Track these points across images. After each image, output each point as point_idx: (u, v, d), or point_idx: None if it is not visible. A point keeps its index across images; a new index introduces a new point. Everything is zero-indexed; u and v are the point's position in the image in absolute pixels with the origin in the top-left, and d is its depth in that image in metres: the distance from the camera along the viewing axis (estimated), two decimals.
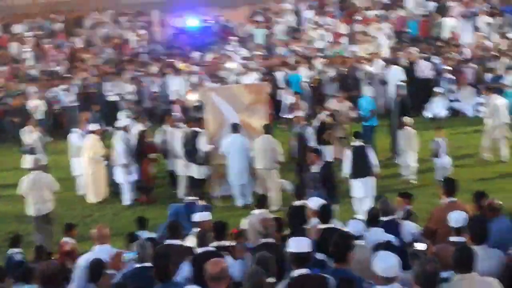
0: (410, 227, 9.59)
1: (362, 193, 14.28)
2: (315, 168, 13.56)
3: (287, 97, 21.98)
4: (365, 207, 12.74)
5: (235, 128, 15.81)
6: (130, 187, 16.74)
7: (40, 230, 14.03)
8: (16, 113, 23.14)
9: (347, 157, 14.50)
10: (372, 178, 14.41)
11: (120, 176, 16.72)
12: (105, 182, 17.20)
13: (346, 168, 14.45)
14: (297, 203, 11.06)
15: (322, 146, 16.34)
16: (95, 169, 16.97)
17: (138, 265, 7.59)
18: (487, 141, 17.70)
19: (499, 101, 17.72)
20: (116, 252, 7.66)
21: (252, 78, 23.23)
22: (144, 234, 10.79)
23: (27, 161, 17.06)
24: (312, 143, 16.02)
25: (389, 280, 6.15)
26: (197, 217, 9.93)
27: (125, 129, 16.92)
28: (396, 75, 21.75)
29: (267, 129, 16.02)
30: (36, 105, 23.15)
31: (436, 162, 15.93)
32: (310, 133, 16.16)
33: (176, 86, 24.22)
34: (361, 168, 14.32)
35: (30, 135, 18.33)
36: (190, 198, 12.42)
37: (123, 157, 16.44)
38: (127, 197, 16.73)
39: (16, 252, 11.27)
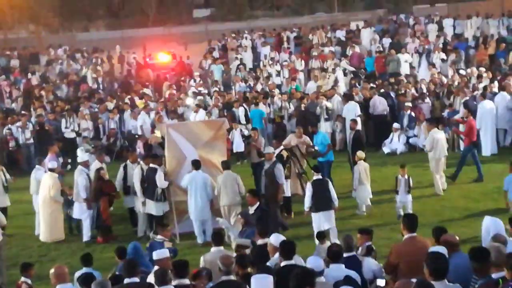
0: (370, 264, 9.63)
1: (326, 226, 14.35)
2: (251, 209, 13.62)
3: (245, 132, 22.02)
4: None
5: (196, 164, 15.76)
6: (89, 223, 16.52)
7: None
8: None
9: (308, 190, 14.62)
10: (332, 211, 14.53)
11: (79, 212, 16.51)
12: (61, 221, 16.94)
13: (307, 201, 14.57)
14: (260, 241, 11.01)
15: None
16: (53, 208, 16.71)
17: None
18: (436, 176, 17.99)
19: (439, 135, 18.05)
20: None
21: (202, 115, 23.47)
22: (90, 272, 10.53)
23: None
24: (282, 179, 16.10)
25: None
26: (156, 255, 9.84)
27: (85, 164, 16.78)
28: (352, 110, 21.99)
29: (227, 165, 16.02)
30: None
31: (396, 198, 16.13)
32: (279, 170, 16.16)
33: (140, 121, 24.22)
34: (322, 201, 14.47)
35: None
36: (158, 237, 12.24)
37: (83, 192, 16.25)
38: (86, 234, 16.49)
39: None
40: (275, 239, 9.91)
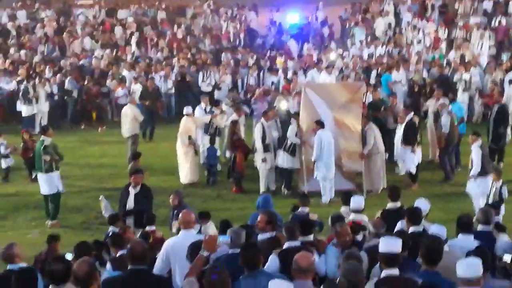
0: (504, 241, 9.45)
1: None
2: None
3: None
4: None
5: (321, 123, 15.94)
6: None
7: None
8: None
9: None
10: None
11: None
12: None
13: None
14: (390, 205, 11.12)
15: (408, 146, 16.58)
16: (186, 150, 17.59)
17: (231, 251, 7.83)
18: None
19: None
20: (211, 235, 7.90)
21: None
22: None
23: None
24: None
25: (471, 283, 6.20)
26: None
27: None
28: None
29: None
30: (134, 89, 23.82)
31: None
32: None
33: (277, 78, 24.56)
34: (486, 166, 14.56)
35: None
36: (300, 210, 11.89)
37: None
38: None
39: None
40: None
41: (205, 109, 19.20)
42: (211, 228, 11.64)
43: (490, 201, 13.16)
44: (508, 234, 10.02)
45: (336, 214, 10.53)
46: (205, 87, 24.63)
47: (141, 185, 13.09)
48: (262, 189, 16.70)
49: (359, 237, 9.50)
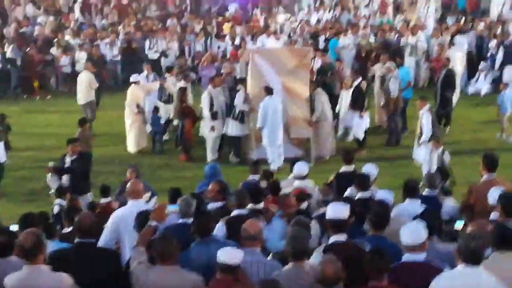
0: (449, 205, 9.62)
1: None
2: None
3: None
4: None
5: (268, 90, 15.89)
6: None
7: None
8: None
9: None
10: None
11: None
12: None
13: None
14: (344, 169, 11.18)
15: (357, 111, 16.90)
16: (134, 118, 17.51)
17: (180, 220, 7.77)
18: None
19: None
20: (159, 204, 7.84)
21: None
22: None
23: None
24: None
25: (415, 248, 6.27)
26: None
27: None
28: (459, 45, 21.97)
29: None
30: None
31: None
32: None
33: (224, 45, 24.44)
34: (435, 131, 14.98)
35: None
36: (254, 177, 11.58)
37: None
38: None
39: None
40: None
41: (147, 77, 19.02)
42: None
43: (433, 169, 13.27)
44: (455, 198, 10.17)
45: (274, 181, 10.45)
46: (152, 54, 24.23)
47: (79, 152, 13.07)
48: (209, 157, 16.58)
49: (304, 205, 9.50)
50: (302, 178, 10.85)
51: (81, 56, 23.18)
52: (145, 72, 19.27)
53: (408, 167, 15.33)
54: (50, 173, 13.35)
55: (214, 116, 16.55)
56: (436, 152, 13.60)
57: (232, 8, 30.89)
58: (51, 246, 7.50)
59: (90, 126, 17.28)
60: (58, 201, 11.31)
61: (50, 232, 8.40)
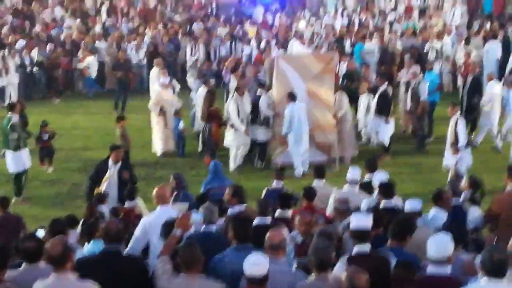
0: (475, 214, 9.50)
1: None
2: None
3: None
4: None
5: (292, 96, 15.89)
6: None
7: None
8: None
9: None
10: None
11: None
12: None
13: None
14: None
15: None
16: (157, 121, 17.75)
17: (204, 229, 7.82)
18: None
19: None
20: (184, 213, 7.87)
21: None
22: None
23: None
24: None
25: (441, 261, 6.24)
26: None
27: None
28: (492, 51, 21.84)
29: None
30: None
31: None
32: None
33: (248, 49, 24.46)
34: None
35: None
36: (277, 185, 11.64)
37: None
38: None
39: None
40: (378, 178, 10.10)
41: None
42: None
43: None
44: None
45: (308, 187, 10.50)
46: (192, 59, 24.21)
47: (123, 159, 13.02)
48: (232, 167, 16.49)
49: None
50: (355, 183, 10.76)
51: (90, 61, 23.60)
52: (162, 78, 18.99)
53: (433, 174, 15.26)
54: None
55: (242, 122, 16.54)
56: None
57: (257, 12, 30.96)
58: (78, 253, 7.61)
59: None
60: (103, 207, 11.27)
61: (91, 231, 8.53)
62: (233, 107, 16.46)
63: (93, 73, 24.18)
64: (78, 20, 28.25)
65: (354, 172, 10.71)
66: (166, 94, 17.97)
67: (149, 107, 17.85)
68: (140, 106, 20.15)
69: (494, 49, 22.30)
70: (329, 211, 10.02)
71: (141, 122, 18.95)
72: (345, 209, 8.90)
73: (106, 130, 18.77)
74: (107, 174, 12.73)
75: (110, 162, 12.86)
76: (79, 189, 15.23)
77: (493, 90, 17.44)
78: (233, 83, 18.51)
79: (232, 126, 16.46)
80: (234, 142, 16.64)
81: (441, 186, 9.69)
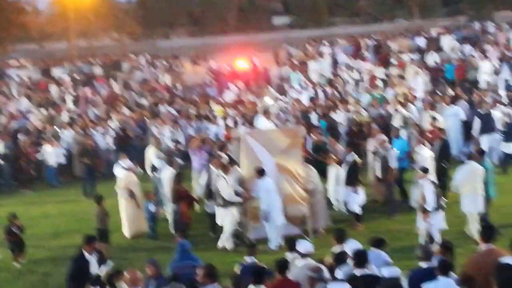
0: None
1: None
2: None
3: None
4: None
5: (261, 172, 15.88)
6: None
7: None
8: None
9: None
10: None
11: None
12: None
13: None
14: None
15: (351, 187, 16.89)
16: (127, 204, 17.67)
17: None
18: None
19: None
20: None
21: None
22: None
23: None
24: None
25: None
26: None
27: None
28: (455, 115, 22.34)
29: None
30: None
31: None
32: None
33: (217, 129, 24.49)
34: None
35: None
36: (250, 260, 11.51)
37: None
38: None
39: None
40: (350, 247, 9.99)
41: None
42: None
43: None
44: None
45: (280, 259, 10.33)
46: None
47: (99, 251, 12.37)
48: (229, 246, 16.29)
49: None
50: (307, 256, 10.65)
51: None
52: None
53: (406, 240, 15.17)
54: None
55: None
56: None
57: (224, 91, 31.26)
58: None
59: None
60: None
61: None
62: (222, 184, 16.32)
63: (53, 163, 23.88)
64: (43, 109, 28.27)
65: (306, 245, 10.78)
66: (131, 177, 17.93)
67: (117, 190, 17.68)
68: (109, 191, 19.91)
69: (458, 112, 22.65)
70: None
71: (110, 207, 18.65)
72: (318, 277, 8.76)
73: (75, 216, 18.68)
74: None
75: (86, 254, 11.85)
76: (49, 279, 14.91)
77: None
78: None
79: (225, 204, 16.30)
80: (226, 221, 16.38)
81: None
